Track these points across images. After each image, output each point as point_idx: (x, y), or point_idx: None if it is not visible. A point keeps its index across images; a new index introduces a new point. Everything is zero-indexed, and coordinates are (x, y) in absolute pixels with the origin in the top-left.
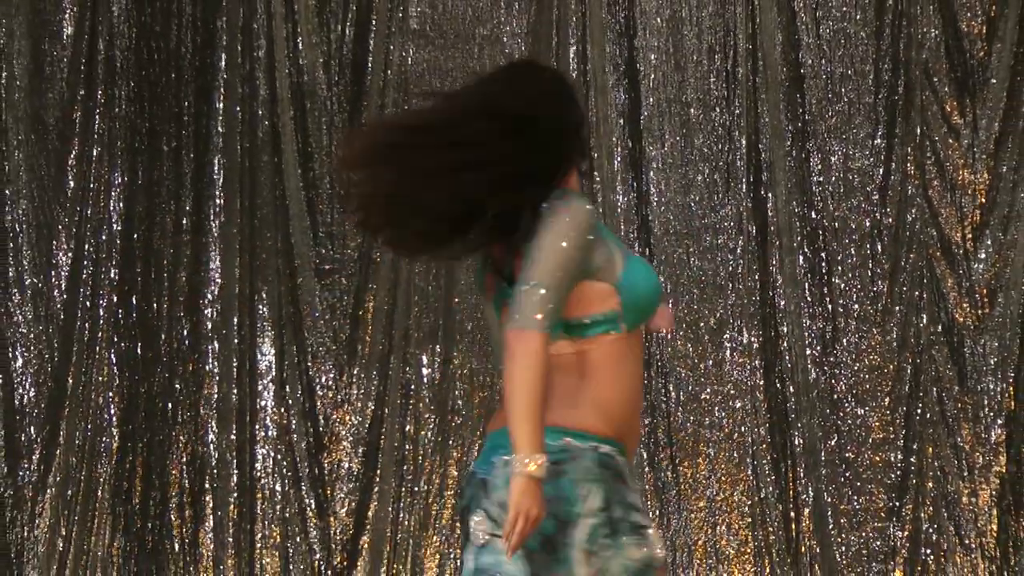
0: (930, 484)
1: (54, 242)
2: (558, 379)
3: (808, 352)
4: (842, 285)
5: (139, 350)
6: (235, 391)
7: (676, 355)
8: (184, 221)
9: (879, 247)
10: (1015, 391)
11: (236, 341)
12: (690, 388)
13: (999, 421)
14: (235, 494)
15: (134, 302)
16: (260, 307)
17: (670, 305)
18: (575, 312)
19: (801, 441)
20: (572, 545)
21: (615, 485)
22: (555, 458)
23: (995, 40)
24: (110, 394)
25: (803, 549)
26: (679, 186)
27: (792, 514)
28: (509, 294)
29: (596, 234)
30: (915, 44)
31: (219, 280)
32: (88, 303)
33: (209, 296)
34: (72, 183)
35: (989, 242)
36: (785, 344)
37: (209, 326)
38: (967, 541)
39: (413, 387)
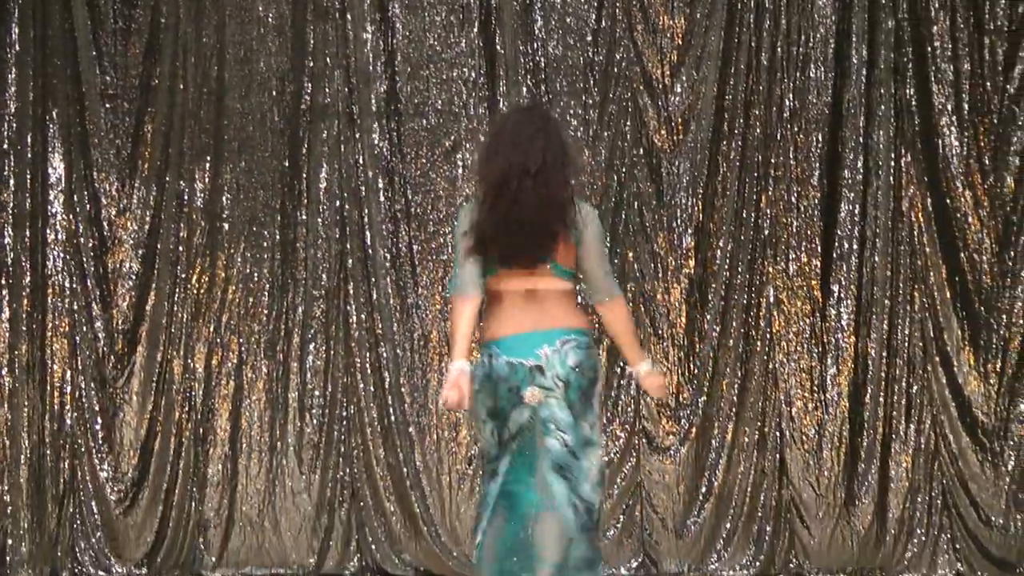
0: (630, 284)
1: None
2: (566, 301)
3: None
4: (559, 112)
5: None
6: (28, 199)
7: (423, 170)
8: None
9: (591, 81)
10: (703, 205)
11: (29, 156)
12: (428, 203)
13: (689, 231)
14: (28, 290)
15: None
16: (51, 126)
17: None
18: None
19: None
20: (596, 394)
21: None
22: (586, 346)
23: None
24: None
25: None
26: (422, 26)
27: None
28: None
29: None
30: None
31: (15, 102)
32: None
33: (6, 116)
34: None
35: (684, 78)
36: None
37: (5, 143)
38: (660, 331)
39: (187, 198)
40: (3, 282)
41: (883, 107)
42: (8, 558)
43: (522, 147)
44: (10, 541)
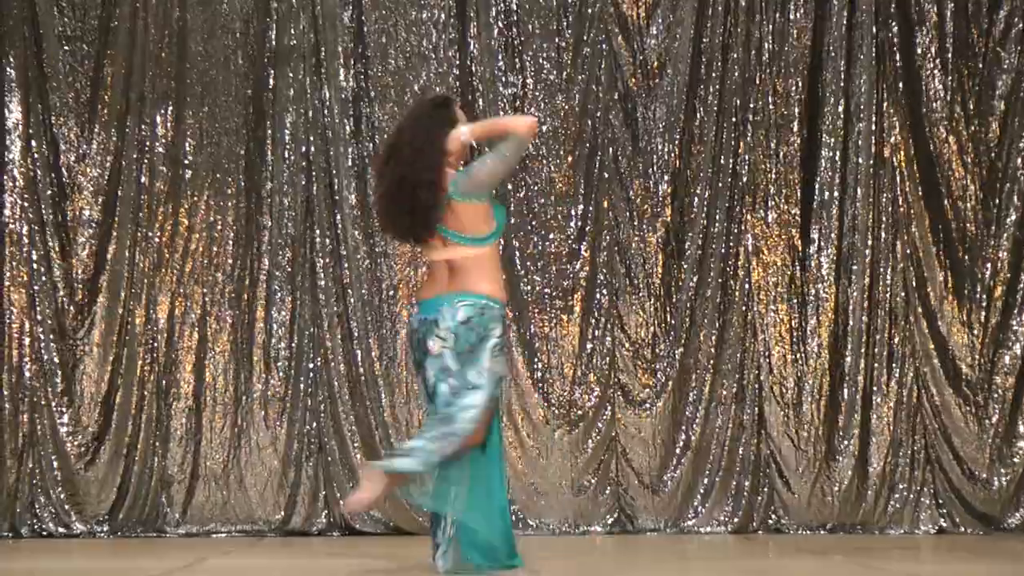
0: (604, 232)
1: None
2: (473, 268)
3: (501, 113)
4: (531, 56)
5: None
6: None
7: (390, 115)
8: None
9: (565, 23)
10: (680, 151)
11: None
12: None
13: (666, 177)
14: None
15: None
16: (8, 70)
17: None
18: (481, 229)
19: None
20: (486, 349)
21: (503, 325)
22: (480, 307)
23: None
24: None
25: None
26: None
27: None
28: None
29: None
30: None
31: None
32: None
33: None
34: None
35: (660, 20)
36: (480, 106)
37: None
38: (636, 281)
39: (148, 143)
40: None
41: (865, 50)
42: None
43: (392, 137)
44: None
